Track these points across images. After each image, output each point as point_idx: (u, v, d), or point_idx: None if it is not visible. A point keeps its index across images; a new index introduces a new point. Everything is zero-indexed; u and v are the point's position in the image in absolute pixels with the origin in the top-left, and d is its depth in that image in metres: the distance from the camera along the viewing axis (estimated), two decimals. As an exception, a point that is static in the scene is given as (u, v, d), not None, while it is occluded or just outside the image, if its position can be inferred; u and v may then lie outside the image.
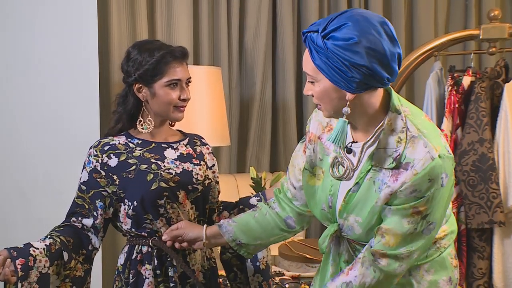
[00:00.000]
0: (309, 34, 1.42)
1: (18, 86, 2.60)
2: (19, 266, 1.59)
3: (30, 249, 1.63)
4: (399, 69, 1.41)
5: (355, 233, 1.52)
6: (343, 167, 1.50)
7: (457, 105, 2.79)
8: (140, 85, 1.80)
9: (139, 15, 3.15)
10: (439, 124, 2.82)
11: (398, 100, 1.48)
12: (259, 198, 1.93)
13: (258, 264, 1.90)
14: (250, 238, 1.73)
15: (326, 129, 1.60)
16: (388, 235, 1.45)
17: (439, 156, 1.40)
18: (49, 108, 2.63)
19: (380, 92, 1.45)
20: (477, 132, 2.70)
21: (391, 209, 1.45)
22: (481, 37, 2.87)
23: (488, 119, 2.72)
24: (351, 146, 1.51)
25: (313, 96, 1.47)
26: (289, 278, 2.56)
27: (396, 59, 1.39)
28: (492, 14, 2.87)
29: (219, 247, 1.99)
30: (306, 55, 1.44)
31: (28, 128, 2.61)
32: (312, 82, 1.45)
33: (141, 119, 1.83)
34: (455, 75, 2.86)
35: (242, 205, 1.93)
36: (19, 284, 1.59)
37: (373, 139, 1.47)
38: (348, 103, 1.41)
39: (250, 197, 1.96)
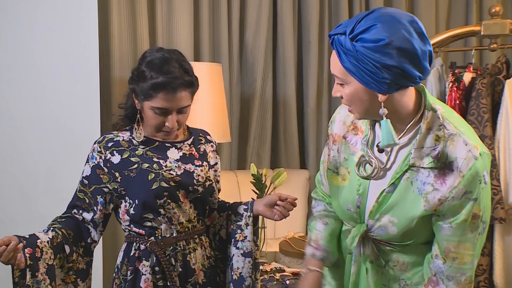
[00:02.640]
0: (336, 36, 1.38)
1: (19, 85, 2.60)
2: (27, 255, 1.61)
3: (37, 241, 1.65)
4: (429, 66, 1.38)
5: (389, 234, 1.50)
6: (371, 166, 1.48)
7: (458, 102, 2.79)
8: (135, 95, 1.79)
9: (139, 12, 3.15)
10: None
11: (431, 98, 1.46)
12: (246, 207, 1.91)
13: (232, 273, 1.89)
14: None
15: (350, 127, 1.58)
16: (460, 254, 1.45)
17: (480, 155, 1.39)
18: (49, 106, 2.63)
19: (411, 91, 1.42)
20: (478, 129, 2.70)
21: (451, 227, 1.44)
22: (482, 33, 2.87)
23: (489, 115, 2.72)
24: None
25: (342, 97, 1.44)
26: (290, 274, 2.56)
27: (427, 57, 1.36)
28: (493, 10, 2.86)
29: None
30: (334, 58, 1.40)
31: (29, 126, 2.61)
32: (341, 85, 1.42)
33: (136, 126, 1.82)
34: (456, 71, 2.85)
35: (231, 211, 1.93)
36: (28, 274, 1.60)
37: (407, 138, 1.45)
38: (382, 104, 1.38)
39: (240, 204, 1.94)
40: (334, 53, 1.41)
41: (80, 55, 2.64)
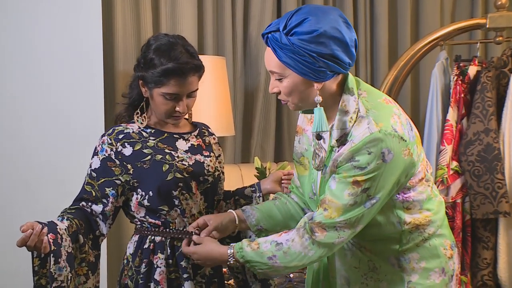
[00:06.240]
0: (269, 34, 1.49)
1: (22, 78, 2.60)
2: (51, 241, 1.60)
3: (57, 227, 1.64)
4: (356, 52, 1.50)
5: None
6: (319, 156, 1.56)
7: (462, 95, 2.78)
8: (143, 83, 1.80)
9: (143, 5, 3.14)
10: (444, 114, 2.82)
11: (355, 83, 1.54)
12: (253, 189, 1.94)
13: None
14: (271, 224, 1.77)
15: (310, 121, 1.66)
16: (330, 208, 1.50)
17: (379, 131, 1.45)
18: (53, 100, 2.62)
19: (340, 78, 1.53)
20: (483, 122, 2.69)
21: (335, 178, 1.51)
22: (487, 26, 2.85)
23: (494, 109, 2.71)
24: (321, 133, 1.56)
25: (279, 93, 1.54)
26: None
27: (354, 44, 1.49)
28: (499, 3, 2.84)
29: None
30: (269, 55, 1.51)
31: (33, 120, 2.61)
32: (279, 80, 1.51)
33: (139, 112, 1.83)
34: (461, 64, 2.84)
35: (238, 196, 1.95)
36: (52, 260, 1.59)
37: (336, 122, 1.53)
38: (318, 92, 1.49)
39: (245, 187, 1.97)
40: (268, 50, 1.51)
41: (84, 49, 2.64)
